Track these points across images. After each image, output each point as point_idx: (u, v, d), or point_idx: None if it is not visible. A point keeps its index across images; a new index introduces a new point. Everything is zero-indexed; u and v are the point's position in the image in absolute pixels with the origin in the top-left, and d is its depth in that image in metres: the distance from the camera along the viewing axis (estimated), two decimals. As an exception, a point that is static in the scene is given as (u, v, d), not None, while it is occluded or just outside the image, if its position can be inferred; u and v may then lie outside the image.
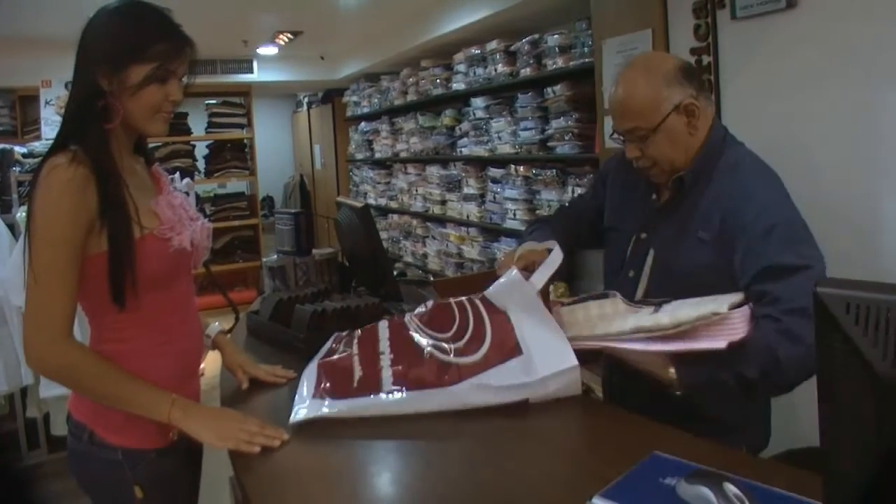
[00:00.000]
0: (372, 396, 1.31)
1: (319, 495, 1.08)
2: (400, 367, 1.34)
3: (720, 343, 1.15)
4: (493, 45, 3.84)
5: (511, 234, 3.95)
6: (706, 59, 2.29)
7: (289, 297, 1.98)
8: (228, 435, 1.21)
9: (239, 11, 4.26)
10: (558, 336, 1.32)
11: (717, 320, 1.17)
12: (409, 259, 5.46)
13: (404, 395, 1.31)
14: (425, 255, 5.16)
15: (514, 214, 3.85)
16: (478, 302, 1.43)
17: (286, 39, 5.14)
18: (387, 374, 1.33)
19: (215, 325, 1.59)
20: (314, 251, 2.33)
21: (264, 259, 2.37)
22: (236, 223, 6.38)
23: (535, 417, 1.33)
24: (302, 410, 1.31)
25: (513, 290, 1.40)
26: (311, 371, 1.43)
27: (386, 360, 1.36)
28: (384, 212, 5.97)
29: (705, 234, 1.38)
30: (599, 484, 0.96)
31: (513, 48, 3.69)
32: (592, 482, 0.97)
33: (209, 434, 1.22)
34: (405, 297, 2.09)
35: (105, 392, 1.23)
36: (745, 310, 1.21)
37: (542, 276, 1.38)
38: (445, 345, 1.35)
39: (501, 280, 1.42)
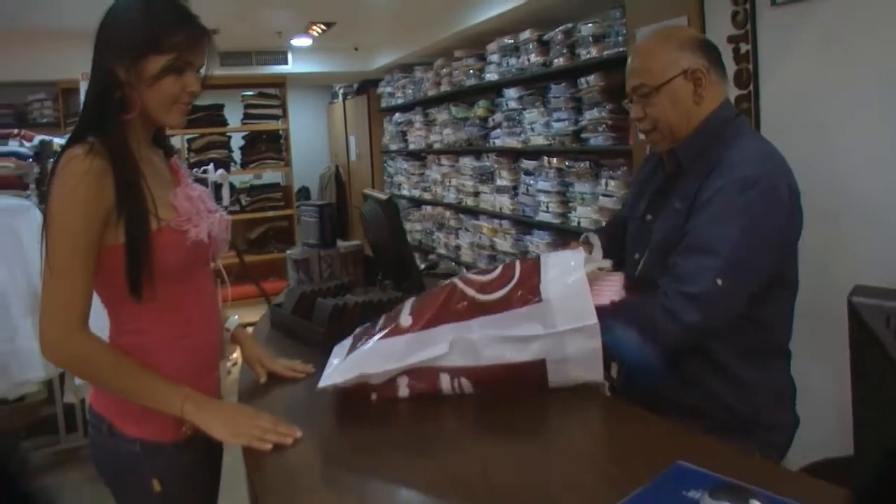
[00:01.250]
0: (389, 339, 1.30)
1: (329, 498, 1.06)
2: (418, 305, 1.34)
3: (604, 300, 1.25)
4: (526, 34, 3.78)
5: (544, 226, 3.90)
6: (744, 48, 2.20)
7: (311, 290, 1.97)
8: (241, 431, 1.20)
9: (271, 2, 4.26)
10: (584, 294, 1.26)
11: (600, 277, 1.30)
12: (441, 251, 5.43)
13: (416, 334, 1.29)
14: (458, 247, 5.13)
15: (547, 207, 3.78)
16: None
17: (319, 30, 5.14)
18: (405, 313, 1.33)
19: (234, 319, 1.58)
20: (339, 243, 2.31)
21: (289, 251, 2.35)
22: (271, 214, 6.43)
23: (553, 419, 1.29)
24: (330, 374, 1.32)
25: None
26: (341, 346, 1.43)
27: (408, 307, 1.36)
28: (418, 203, 5.95)
29: (681, 204, 1.39)
30: (620, 493, 0.92)
31: (546, 38, 3.62)
32: (613, 491, 0.93)
33: (222, 429, 1.22)
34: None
35: (118, 384, 1.23)
36: (621, 274, 1.33)
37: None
38: (470, 280, 1.34)
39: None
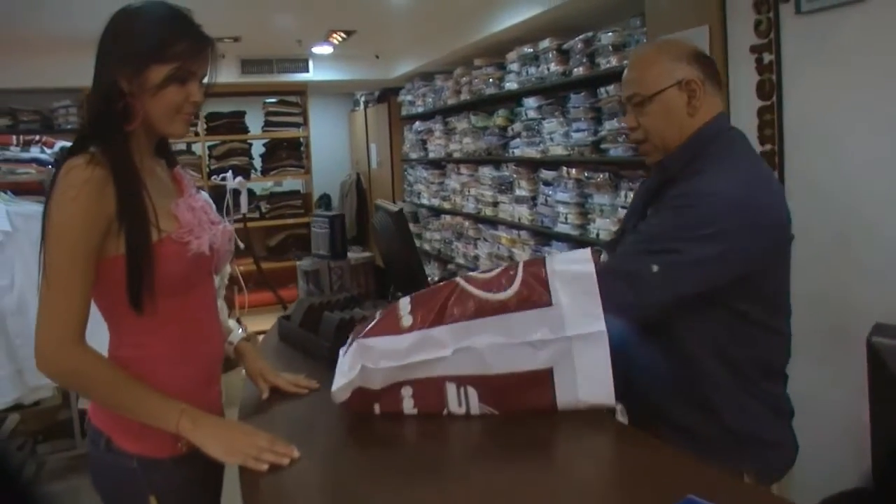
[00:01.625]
0: (392, 337, 1.26)
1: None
2: (419, 303, 1.30)
3: None
4: (545, 43, 3.73)
5: (562, 238, 3.84)
6: (767, 58, 2.13)
7: (319, 302, 1.95)
8: (237, 449, 1.17)
9: (292, 10, 4.27)
10: (594, 300, 1.21)
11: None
12: (460, 261, 5.39)
13: (423, 334, 1.24)
14: (476, 258, 5.08)
15: (566, 218, 3.73)
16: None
17: (340, 38, 5.14)
18: (405, 312, 1.28)
19: (238, 332, 1.56)
20: (350, 255, 2.28)
21: (299, 262, 2.33)
22: (291, 221, 6.45)
23: (561, 444, 1.25)
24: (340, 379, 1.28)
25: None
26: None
27: (406, 304, 1.31)
28: (437, 212, 5.92)
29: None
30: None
31: (565, 46, 3.58)
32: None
33: (217, 447, 1.18)
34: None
35: (113, 399, 1.21)
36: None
37: None
38: (472, 278, 1.30)
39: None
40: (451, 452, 1.23)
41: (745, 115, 2.26)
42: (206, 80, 1.30)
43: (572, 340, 1.20)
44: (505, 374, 1.23)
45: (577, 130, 3.53)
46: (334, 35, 5.05)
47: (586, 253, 1.28)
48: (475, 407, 1.27)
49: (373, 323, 1.31)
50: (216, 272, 1.41)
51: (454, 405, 1.27)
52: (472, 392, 1.26)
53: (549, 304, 1.22)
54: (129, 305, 1.21)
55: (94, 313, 1.23)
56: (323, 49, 5.67)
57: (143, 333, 1.26)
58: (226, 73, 5.86)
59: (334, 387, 1.28)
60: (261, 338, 1.85)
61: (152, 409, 1.20)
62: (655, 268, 1.28)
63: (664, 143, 1.42)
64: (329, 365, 1.57)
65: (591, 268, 1.23)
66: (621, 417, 1.28)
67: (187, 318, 1.31)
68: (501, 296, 1.24)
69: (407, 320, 1.27)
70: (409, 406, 1.29)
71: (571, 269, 1.24)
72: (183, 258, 1.24)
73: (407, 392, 1.28)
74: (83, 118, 5.73)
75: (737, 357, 1.36)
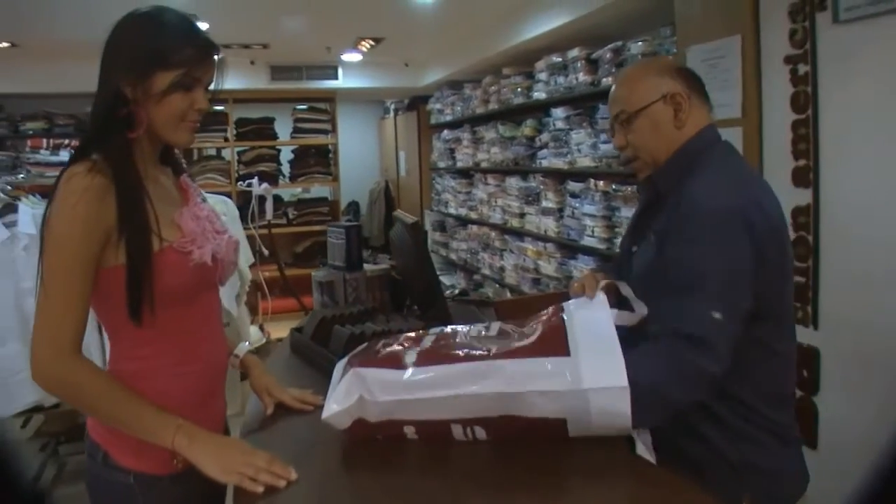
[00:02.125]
0: (392, 370, 1.20)
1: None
2: (428, 348, 1.24)
3: None
4: (574, 52, 3.67)
5: (588, 251, 3.76)
6: (803, 69, 2.04)
7: (332, 315, 1.90)
8: (232, 468, 1.13)
9: (320, 17, 4.27)
10: (615, 352, 1.15)
11: None
12: (486, 272, 5.34)
13: (427, 374, 1.18)
14: (502, 269, 5.02)
15: (592, 231, 3.65)
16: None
17: (368, 46, 5.14)
18: (411, 355, 1.22)
19: (244, 345, 1.52)
20: (366, 266, 2.24)
21: (313, 273, 2.30)
22: (318, 228, 6.45)
23: (572, 475, 1.17)
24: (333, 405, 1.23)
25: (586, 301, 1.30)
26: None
27: (415, 348, 1.25)
28: (464, 222, 5.87)
29: (654, 235, 1.35)
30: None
31: (594, 56, 3.51)
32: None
33: (212, 465, 1.14)
34: (459, 318, 1.96)
35: (108, 412, 1.18)
36: None
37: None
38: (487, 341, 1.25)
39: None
40: (455, 482, 1.16)
41: (777, 129, 2.17)
42: (212, 87, 1.27)
43: (588, 393, 1.12)
44: (514, 417, 1.17)
45: (605, 142, 3.45)
46: (363, 42, 5.05)
47: (603, 302, 1.25)
48: (482, 438, 1.21)
49: (375, 353, 1.27)
50: (221, 283, 1.37)
51: (459, 437, 1.22)
52: (479, 430, 1.21)
53: (565, 354, 1.15)
54: (128, 316, 1.18)
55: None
56: (352, 56, 5.68)
57: (143, 345, 1.23)
58: (255, 80, 5.91)
59: (326, 413, 1.23)
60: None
61: (148, 424, 1.17)
62: (717, 314, 1.21)
63: (654, 158, 1.40)
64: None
65: (613, 332, 1.19)
66: (647, 454, 1.20)
67: (189, 329, 1.28)
68: (514, 344, 1.20)
69: (410, 356, 1.22)
70: (411, 433, 1.23)
71: (591, 316, 1.20)
72: (185, 268, 1.21)
73: (409, 430, 1.23)
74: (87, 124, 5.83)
75: (738, 386, 1.30)
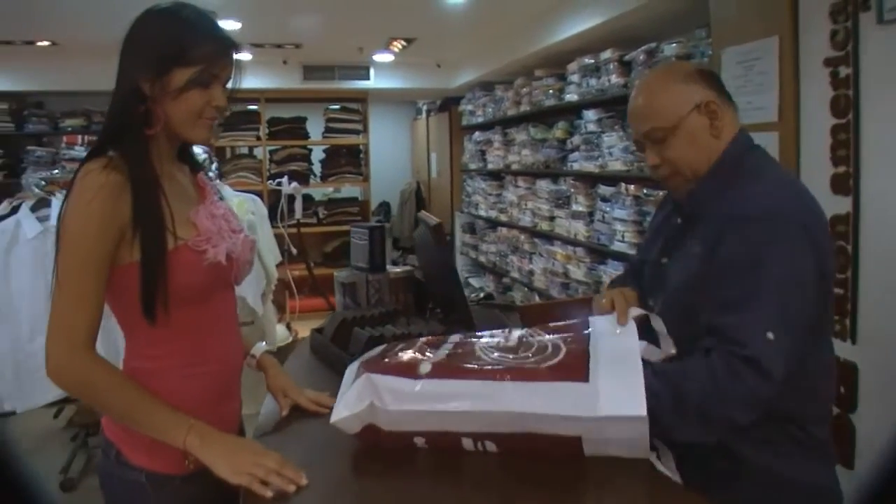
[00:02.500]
0: (405, 379, 1.17)
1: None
2: (443, 358, 1.21)
3: None
4: (607, 54, 3.61)
5: (618, 257, 3.69)
6: (844, 72, 1.96)
7: (353, 317, 1.88)
8: (243, 469, 1.11)
9: (352, 18, 4.28)
10: (637, 381, 1.10)
11: None
12: (515, 275, 5.29)
13: (440, 386, 1.15)
14: (531, 272, 4.97)
15: (623, 237, 3.58)
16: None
17: (400, 46, 5.13)
18: (426, 365, 1.19)
19: (261, 345, 1.51)
20: (389, 268, 2.22)
21: (335, 273, 2.28)
22: (347, 228, 6.46)
23: (589, 492, 1.13)
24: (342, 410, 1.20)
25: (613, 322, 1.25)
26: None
27: (431, 357, 1.22)
28: (494, 224, 5.84)
29: (700, 248, 1.27)
30: None
31: (627, 58, 3.45)
32: None
33: (223, 466, 1.13)
34: (482, 323, 1.93)
35: (120, 410, 1.17)
36: None
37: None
38: (505, 353, 1.21)
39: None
40: (466, 491, 1.13)
41: (816, 135, 2.09)
42: (230, 85, 1.26)
43: (604, 421, 1.08)
44: (527, 434, 1.13)
45: (637, 145, 3.38)
46: (394, 43, 5.05)
47: (633, 330, 1.20)
48: (493, 451, 1.18)
49: (389, 359, 1.24)
50: (236, 282, 1.36)
51: (469, 448, 1.19)
52: (490, 444, 1.17)
53: (583, 380, 1.11)
54: (142, 314, 1.17)
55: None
56: (384, 57, 5.69)
57: (157, 344, 1.23)
58: (288, 79, 5.95)
59: (335, 416, 1.21)
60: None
61: (160, 423, 1.16)
62: (771, 335, 1.14)
63: (694, 171, 1.31)
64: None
65: (637, 350, 1.15)
66: (670, 474, 1.16)
67: (203, 329, 1.27)
68: (532, 364, 1.15)
69: (425, 367, 1.19)
70: (420, 443, 1.21)
71: (619, 346, 1.16)
72: (199, 267, 1.20)
73: (419, 440, 1.20)
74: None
75: (777, 399, 1.23)
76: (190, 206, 1.26)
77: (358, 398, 1.19)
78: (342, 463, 1.24)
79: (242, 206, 3.36)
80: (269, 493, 1.08)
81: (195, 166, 1.37)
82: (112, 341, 2.84)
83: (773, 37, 2.15)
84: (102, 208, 1.12)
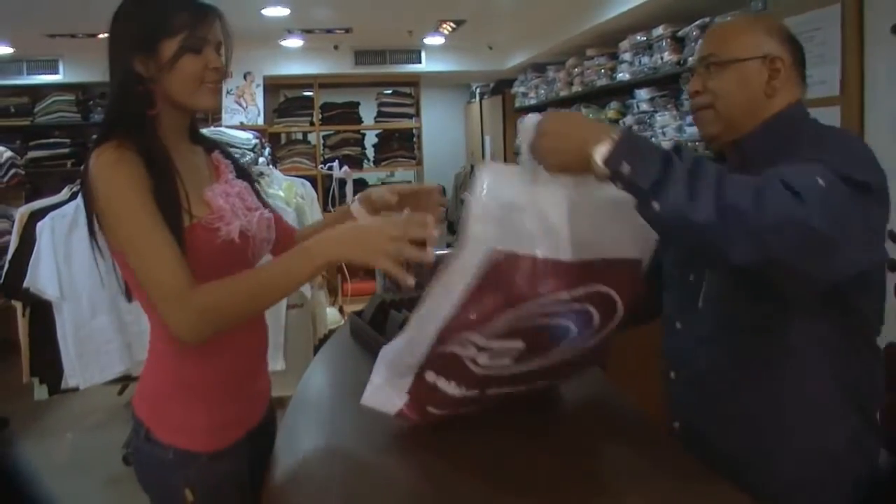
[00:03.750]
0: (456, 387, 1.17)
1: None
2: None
3: None
4: (659, 30, 3.49)
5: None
6: (912, 41, 1.84)
7: (391, 300, 1.88)
8: (378, 252, 1.08)
9: (401, 0, 4.26)
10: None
11: None
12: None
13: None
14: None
15: (676, 217, 3.47)
16: None
17: (449, 28, 5.08)
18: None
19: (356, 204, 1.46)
20: (430, 250, 2.19)
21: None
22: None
23: (609, 479, 1.10)
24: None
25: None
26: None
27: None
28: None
29: None
30: None
31: (681, 34, 3.32)
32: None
33: (360, 256, 1.10)
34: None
35: (257, 302, 1.17)
36: None
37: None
38: None
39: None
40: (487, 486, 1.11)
41: (882, 109, 1.96)
42: (223, 52, 1.25)
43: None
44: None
45: (691, 124, 3.27)
46: (444, 25, 5.00)
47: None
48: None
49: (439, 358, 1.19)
50: (256, 260, 1.36)
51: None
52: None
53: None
54: None
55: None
56: (434, 40, 5.65)
57: None
58: (340, 65, 5.98)
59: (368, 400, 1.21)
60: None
61: (288, 277, 1.14)
62: (822, 181, 1.00)
63: (731, 114, 1.24)
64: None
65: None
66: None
67: None
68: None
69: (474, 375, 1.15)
70: (445, 385, 1.18)
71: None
72: (212, 245, 1.20)
73: (431, 376, 1.18)
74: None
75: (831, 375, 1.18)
76: (203, 184, 1.26)
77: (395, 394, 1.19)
78: (374, 446, 1.24)
79: (291, 190, 3.39)
80: (411, 282, 1.07)
81: (209, 145, 1.38)
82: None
83: (835, 5, 2.03)
84: (130, 172, 1.12)
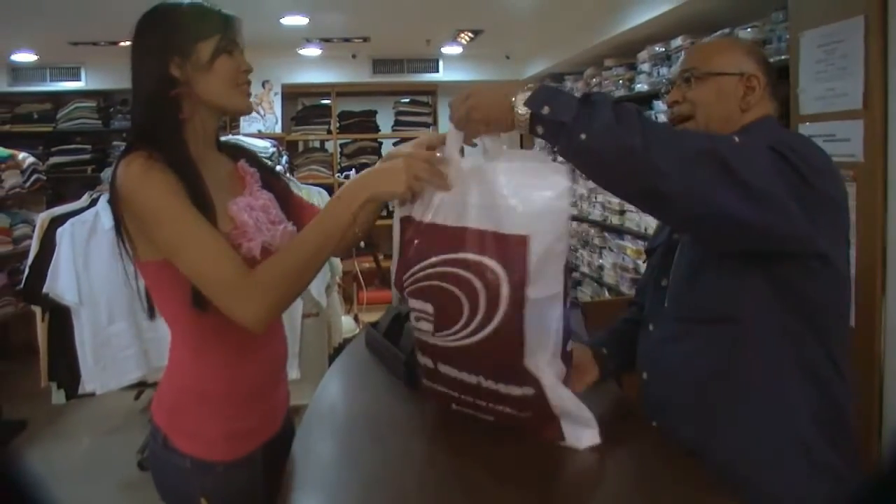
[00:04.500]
0: None
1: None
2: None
3: None
4: (678, 41, 3.47)
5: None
6: (938, 54, 1.81)
7: (407, 311, 1.87)
8: (401, 177, 1.15)
9: (418, 10, 4.28)
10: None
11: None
12: (584, 270, 5.18)
13: None
14: (601, 267, 4.86)
15: (694, 230, 3.44)
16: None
17: (467, 38, 5.10)
18: None
19: None
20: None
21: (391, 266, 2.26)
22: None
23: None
24: None
25: None
26: None
27: None
28: (563, 217, 5.72)
29: None
30: None
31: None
32: None
33: (385, 183, 1.17)
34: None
35: (307, 266, 1.19)
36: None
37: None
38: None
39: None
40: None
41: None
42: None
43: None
44: None
45: (710, 136, 3.24)
46: (462, 35, 5.02)
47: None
48: None
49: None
50: None
51: None
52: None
53: None
54: (190, 307, 1.18)
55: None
56: (452, 49, 5.66)
57: (204, 336, 1.24)
58: (357, 73, 6.01)
59: None
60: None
61: (329, 231, 1.18)
62: (737, 139, 1.13)
63: (708, 124, 1.33)
64: (406, 381, 1.50)
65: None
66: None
67: (232, 326, 1.26)
68: None
69: None
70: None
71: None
72: None
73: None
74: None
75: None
76: (227, 197, 1.26)
77: None
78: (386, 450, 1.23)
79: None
80: (448, 186, 1.15)
81: (236, 154, 1.38)
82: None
83: (857, 17, 2.00)
84: (163, 178, 1.13)
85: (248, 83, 1.27)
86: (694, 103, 1.34)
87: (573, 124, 1.04)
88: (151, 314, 1.30)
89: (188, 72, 1.20)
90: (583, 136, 1.03)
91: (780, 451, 1.19)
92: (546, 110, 1.06)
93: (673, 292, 1.33)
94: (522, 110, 1.07)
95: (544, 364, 1.13)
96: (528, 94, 1.08)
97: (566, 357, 1.17)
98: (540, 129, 1.08)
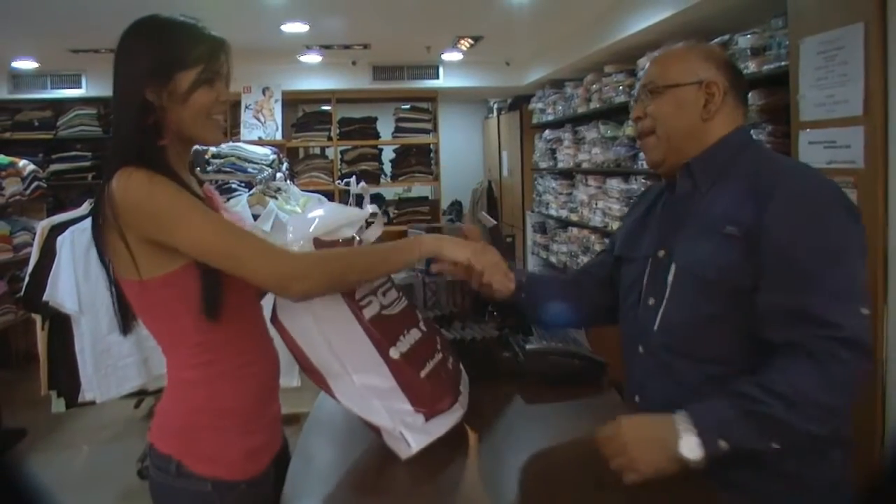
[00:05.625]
0: None
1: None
2: None
3: None
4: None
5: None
6: (938, 60, 1.80)
7: (407, 318, 1.86)
8: (470, 251, 1.32)
9: (419, 17, 4.28)
10: None
11: None
12: (584, 275, 5.17)
13: None
14: (601, 274, 4.84)
15: (695, 237, 3.43)
16: None
17: (467, 45, 5.10)
18: None
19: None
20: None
21: (393, 276, 2.26)
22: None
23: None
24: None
25: None
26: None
27: None
28: (564, 224, 5.73)
29: (734, 228, 1.22)
30: None
31: (700, 51, 3.29)
32: None
33: (456, 250, 1.32)
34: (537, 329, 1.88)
35: (368, 268, 1.26)
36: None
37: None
38: None
39: None
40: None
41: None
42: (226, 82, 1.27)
43: None
44: None
45: (710, 143, 3.23)
46: (462, 41, 5.02)
47: None
48: None
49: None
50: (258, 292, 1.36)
51: None
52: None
53: None
54: (201, 319, 1.17)
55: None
56: (452, 56, 5.67)
57: (206, 352, 1.23)
58: (358, 80, 6.02)
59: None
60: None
61: (389, 258, 1.28)
62: (865, 310, 1.13)
63: (670, 137, 1.33)
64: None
65: None
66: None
67: (245, 333, 1.29)
68: None
69: None
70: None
71: None
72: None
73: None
74: (225, 121, 6.09)
75: None
76: None
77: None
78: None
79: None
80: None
81: (198, 179, 1.38)
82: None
83: (857, 24, 2.00)
84: (169, 182, 1.13)
85: (223, 113, 1.25)
86: (654, 117, 1.34)
87: (759, 443, 1.11)
88: (126, 330, 1.30)
89: (164, 99, 1.18)
90: (774, 445, 1.11)
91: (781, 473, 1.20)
92: (724, 445, 1.09)
93: (666, 323, 1.31)
94: (696, 455, 1.09)
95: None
96: (693, 438, 1.09)
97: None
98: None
